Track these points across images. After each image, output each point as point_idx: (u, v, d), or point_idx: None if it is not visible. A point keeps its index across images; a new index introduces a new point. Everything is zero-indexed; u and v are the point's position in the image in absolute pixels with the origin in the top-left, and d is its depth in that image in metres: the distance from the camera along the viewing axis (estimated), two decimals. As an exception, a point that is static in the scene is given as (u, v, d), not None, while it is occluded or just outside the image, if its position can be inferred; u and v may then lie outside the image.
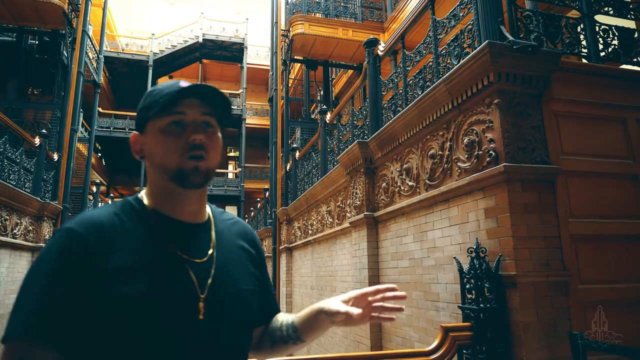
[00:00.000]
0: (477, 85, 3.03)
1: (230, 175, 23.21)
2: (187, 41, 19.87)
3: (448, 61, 3.55)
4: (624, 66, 3.48)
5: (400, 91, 4.47)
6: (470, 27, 3.28)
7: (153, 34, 19.94)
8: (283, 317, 1.07)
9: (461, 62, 3.13)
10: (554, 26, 3.22)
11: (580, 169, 3.02)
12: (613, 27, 3.41)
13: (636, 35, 3.48)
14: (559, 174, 2.90)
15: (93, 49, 13.03)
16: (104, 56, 14.14)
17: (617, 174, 3.13)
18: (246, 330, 0.94)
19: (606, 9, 3.47)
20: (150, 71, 19.16)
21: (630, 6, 3.59)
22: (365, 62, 5.34)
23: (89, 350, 0.76)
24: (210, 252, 0.90)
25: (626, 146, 3.21)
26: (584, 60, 3.38)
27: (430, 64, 3.85)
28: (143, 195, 0.92)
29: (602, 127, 3.20)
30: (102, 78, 13.82)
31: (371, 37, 5.49)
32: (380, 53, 5.18)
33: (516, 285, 2.67)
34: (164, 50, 19.75)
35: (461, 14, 3.48)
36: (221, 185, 20.00)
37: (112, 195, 15.08)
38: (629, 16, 3.57)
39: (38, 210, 8.01)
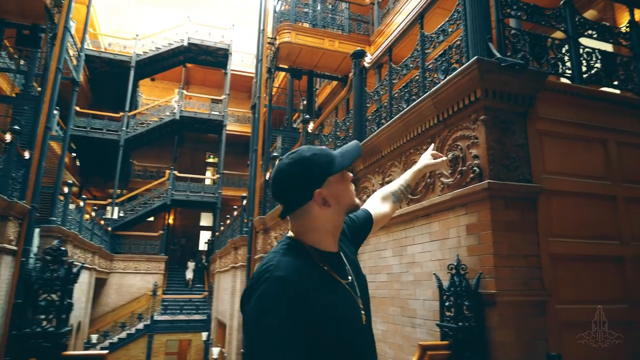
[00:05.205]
0: (464, 100, 3.02)
1: (207, 182, 22.89)
2: (171, 44, 19.65)
3: (435, 76, 3.54)
4: (605, 89, 3.53)
5: (385, 104, 4.44)
6: (458, 42, 3.28)
7: (137, 35, 19.65)
8: (393, 188, 1.55)
9: (448, 77, 3.12)
10: (540, 46, 3.25)
11: (561, 189, 3.02)
12: (596, 50, 3.46)
13: (618, 60, 3.55)
14: (542, 192, 2.89)
15: (74, 46, 12.69)
16: (85, 54, 13.82)
17: (596, 195, 3.15)
18: None
19: (590, 32, 3.52)
20: (132, 72, 18.86)
21: (613, 31, 3.66)
22: (351, 74, 5.32)
23: None
24: (348, 268, 1.12)
25: (606, 167, 3.24)
26: (567, 81, 3.41)
27: (417, 78, 3.84)
28: (297, 237, 1.08)
29: (584, 148, 3.22)
30: (81, 76, 13.48)
31: (358, 49, 5.48)
32: (366, 65, 5.16)
33: (496, 304, 2.63)
34: (147, 52, 19.47)
35: (450, 30, 3.48)
36: (198, 192, 19.70)
37: (84, 196, 14.58)
38: (611, 41, 3.64)
39: (4, 209, 7.63)
